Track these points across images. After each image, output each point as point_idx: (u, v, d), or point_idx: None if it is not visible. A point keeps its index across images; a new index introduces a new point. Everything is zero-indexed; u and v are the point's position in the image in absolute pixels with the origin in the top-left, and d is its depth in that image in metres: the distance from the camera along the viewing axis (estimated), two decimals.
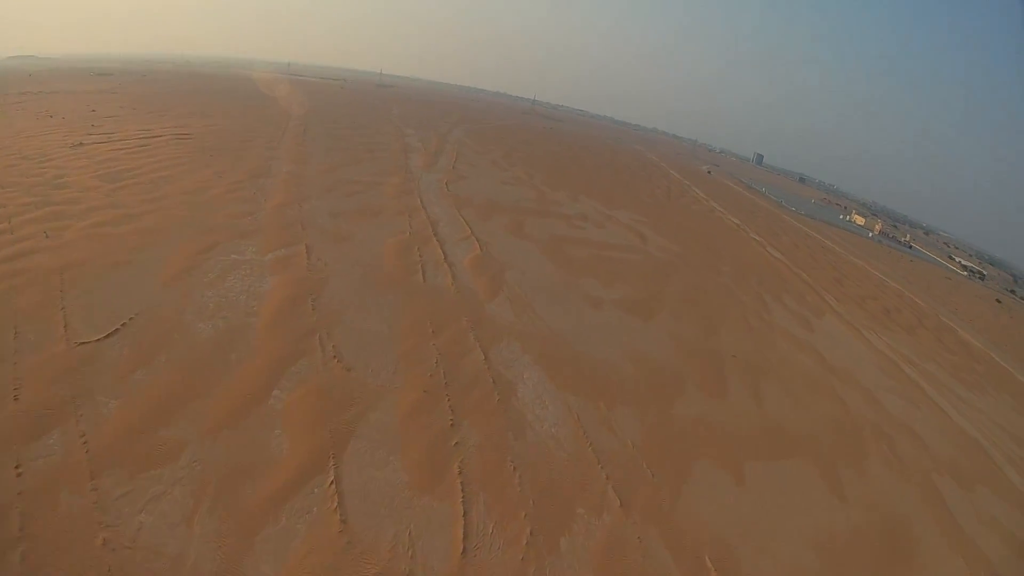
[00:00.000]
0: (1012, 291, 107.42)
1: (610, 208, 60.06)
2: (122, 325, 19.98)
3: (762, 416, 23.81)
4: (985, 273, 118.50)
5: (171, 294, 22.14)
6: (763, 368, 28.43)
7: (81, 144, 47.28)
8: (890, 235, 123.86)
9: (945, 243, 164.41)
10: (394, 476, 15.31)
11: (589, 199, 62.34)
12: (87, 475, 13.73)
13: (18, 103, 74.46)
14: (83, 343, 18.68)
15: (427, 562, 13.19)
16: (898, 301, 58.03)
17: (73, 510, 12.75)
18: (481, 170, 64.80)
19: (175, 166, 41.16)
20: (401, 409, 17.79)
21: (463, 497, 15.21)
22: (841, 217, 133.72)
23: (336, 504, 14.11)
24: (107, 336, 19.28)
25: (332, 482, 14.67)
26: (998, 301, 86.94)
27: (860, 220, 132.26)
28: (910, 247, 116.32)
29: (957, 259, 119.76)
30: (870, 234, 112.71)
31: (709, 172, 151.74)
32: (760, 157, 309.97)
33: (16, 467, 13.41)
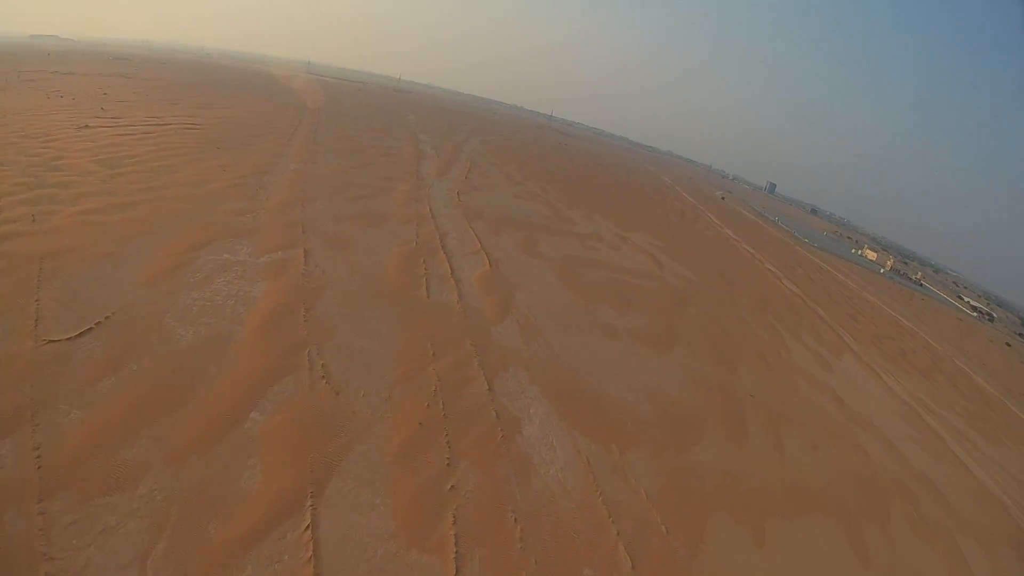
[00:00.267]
0: (1021, 334, 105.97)
1: (625, 229, 58.48)
2: (97, 324, 18.41)
3: (783, 466, 22.05)
4: (995, 315, 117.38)
5: (154, 293, 20.51)
6: (783, 411, 26.68)
7: (87, 126, 46.16)
8: (901, 272, 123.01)
9: (954, 282, 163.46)
10: (379, 523, 13.45)
11: (604, 219, 60.80)
12: (36, 495, 12.09)
13: (30, 81, 73.80)
14: (53, 341, 17.11)
15: None
16: (913, 342, 56.35)
17: (16, 536, 11.13)
18: (494, 182, 63.41)
19: (178, 156, 39.83)
20: (392, 443, 15.96)
21: (456, 552, 13.34)
22: (853, 251, 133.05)
23: (311, 554, 12.26)
24: (79, 335, 17.72)
25: (308, 527, 12.84)
26: (1008, 344, 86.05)
27: (872, 255, 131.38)
28: (921, 285, 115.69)
29: (966, 299, 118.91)
30: (882, 270, 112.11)
31: (723, 198, 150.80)
32: (772, 186, 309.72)
33: None
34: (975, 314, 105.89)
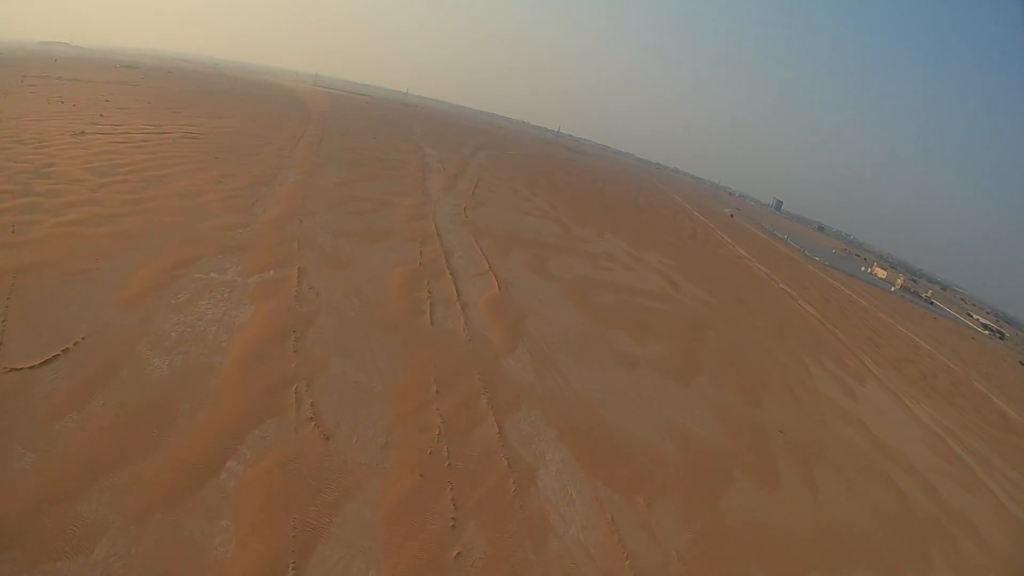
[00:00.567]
0: None
1: (637, 248, 56.71)
2: (64, 350, 16.75)
3: (818, 511, 20.35)
4: (1005, 333, 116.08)
5: (130, 315, 18.72)
6: (813, 448, 25.04)
7: (83, 133, 44.89)
8: (911, 290, 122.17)
9: (962, 299, 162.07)
10: None
11: (615, 237, 59.08)
12: None
13: (34, 86, 73.07)
14: (15, 369, 15.48)
15: None
16: (932, 364, 54.45)
17: None
18: (502, 198, 61.85)
19: (174, 166, 38.33)
20: (390, 499, 13.92)
21: None
22: (863, 269, 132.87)
23: None
24: (44, 363, 16.11)
25: None
26: (1022, 363, 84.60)
27: (882, 273, 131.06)
28: (931, 303, 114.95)
29: (975, 316, 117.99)
30: (892, 288, 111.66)
31: (732, 216, 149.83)
32: (779, 203, 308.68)
33: None
34: (986, 332, 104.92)
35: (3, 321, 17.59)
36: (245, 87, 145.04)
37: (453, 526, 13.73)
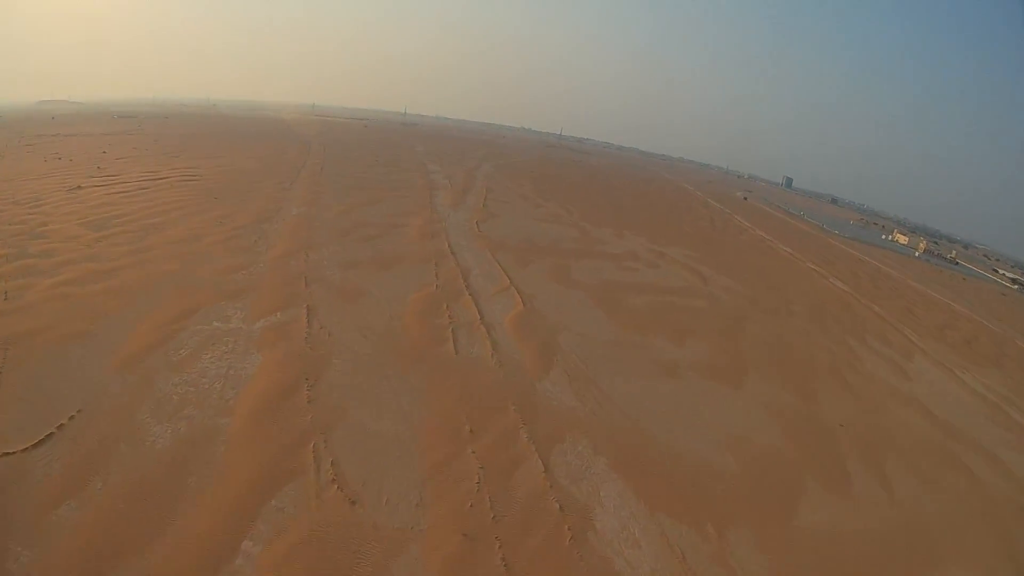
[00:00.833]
0: None
1: (658, 244, 54.72)
2: (59, 427, 15.71)
3: (897, 511, 18.73)
4: None
5: (128, 380, 17.50)
6: (877, 439, 23.37)
7: (79, 187, 44.61)
8: (935, 252, 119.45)
9: (985, 256, 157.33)
10: None
11: (634, 235, 57.16)
12: None
13: (31, 145, 73.88)
14: (7, 453, 14.43)
15: None
16: (972, 328, 51.72)
17: None
18: (514, 207, 60.40)
19: (172, 211, 37.58)
20: (432, 567, 12.23)
21: None
22: (884, 237, 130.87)
23: None
24: (38, 443, 15.05)
25: None
26: None
27: (903, 239, 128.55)
28: (957, 264, 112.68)
29: (1002, 272, 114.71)
30: (916, 253, 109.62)
31: (745, 198, 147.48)
32: (789, 180, 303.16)
33: None
34: (1015, 287, 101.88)
35: None
36: (243, 124, 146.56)
37: None
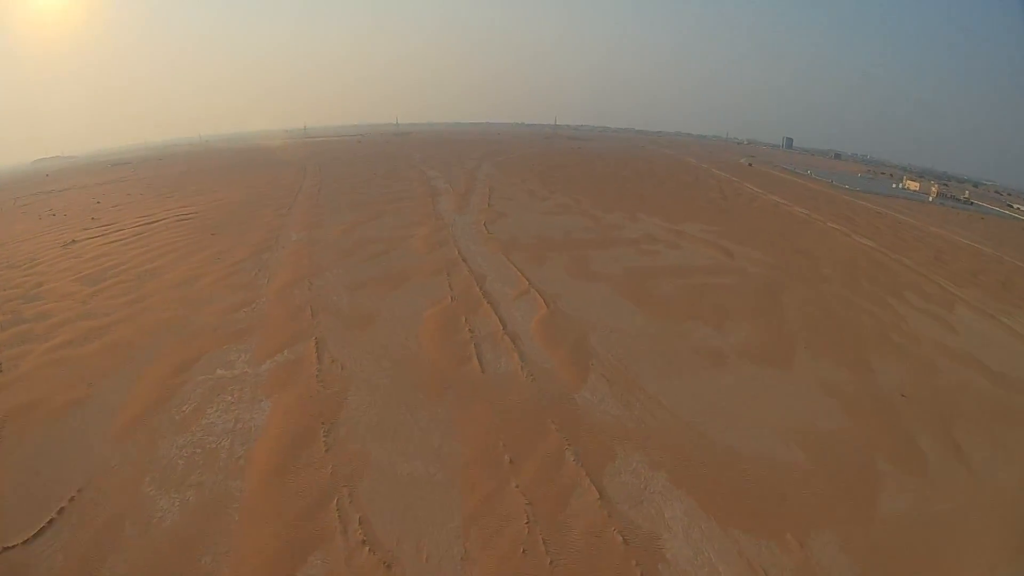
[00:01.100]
0: None
1: (674, 222, 52.63)
2: (60, 511, 14.68)
3: (979, 485, 17.18)
4: None
5: (130, 448, 16.26)
6: (939, 405, 21.74)
7: (74, 242, 44.03)
8: (948, 195, 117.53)
9: (996, 192, 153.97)
10: None
11: (648, 216, 55.11)
12: None
13: (26, 205, 74.12)
14: (8, 548, 13.38)
15: None
16: (1004, 270, 49.36)
17: None
18: (521, 203, 58.71)
19: (168, 253, 36.61)
20: None
21: None
22: (894, 186, 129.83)
23: None
24: (39, 533, 13.92)
25: None
26: None
27: (914, 185, 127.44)
28: (971, 204, 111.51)
29: (1017, 207, 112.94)
30: (929, 198, 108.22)
31: (749, 164, 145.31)
32: (790, 141, 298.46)
33: None
34: None
35: None
36: (235, 156, 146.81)
37: None
